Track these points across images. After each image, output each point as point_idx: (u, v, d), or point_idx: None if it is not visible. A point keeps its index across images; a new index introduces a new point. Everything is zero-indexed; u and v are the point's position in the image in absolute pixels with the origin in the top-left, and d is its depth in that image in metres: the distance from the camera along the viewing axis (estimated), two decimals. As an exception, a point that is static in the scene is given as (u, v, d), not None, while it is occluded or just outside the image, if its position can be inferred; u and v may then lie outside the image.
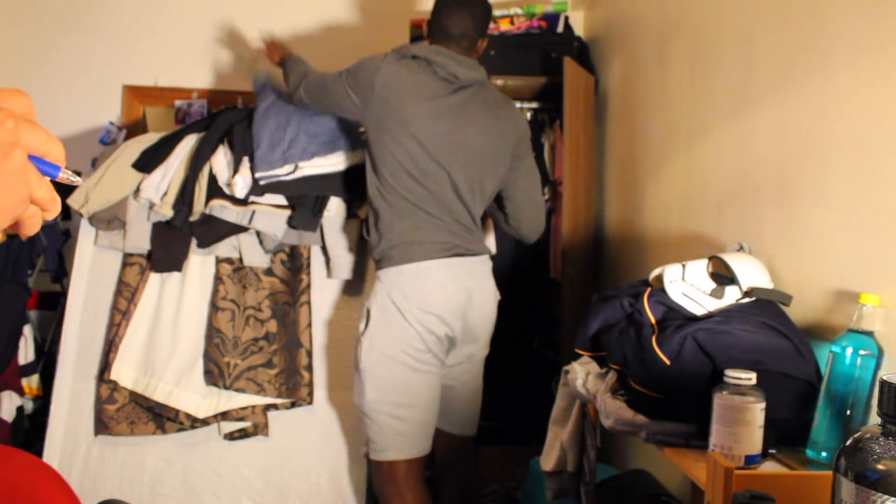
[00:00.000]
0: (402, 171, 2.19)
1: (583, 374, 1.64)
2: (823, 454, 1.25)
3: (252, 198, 2.51)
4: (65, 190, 2.69)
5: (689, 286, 1.51)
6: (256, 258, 2.57)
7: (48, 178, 0.58)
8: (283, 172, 2.48)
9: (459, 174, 2.22)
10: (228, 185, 2.51)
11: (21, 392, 2.70)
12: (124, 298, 2.57)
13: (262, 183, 2.49)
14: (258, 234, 2.55)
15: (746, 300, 1.48)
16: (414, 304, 2.14)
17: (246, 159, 2.52)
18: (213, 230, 2.53)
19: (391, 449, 2.18)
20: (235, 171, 2.52)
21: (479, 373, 2.39)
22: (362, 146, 2.45)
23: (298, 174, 2.50)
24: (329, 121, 2.56)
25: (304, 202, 2.53)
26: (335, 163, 2.55)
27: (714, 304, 1.49)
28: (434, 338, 2.17)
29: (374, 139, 2.25)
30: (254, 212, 2.50)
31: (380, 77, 2.22)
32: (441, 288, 2.16)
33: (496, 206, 2.47)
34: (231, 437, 2.52)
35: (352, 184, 2.55)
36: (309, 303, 2.57)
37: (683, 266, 1.54)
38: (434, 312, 2.15)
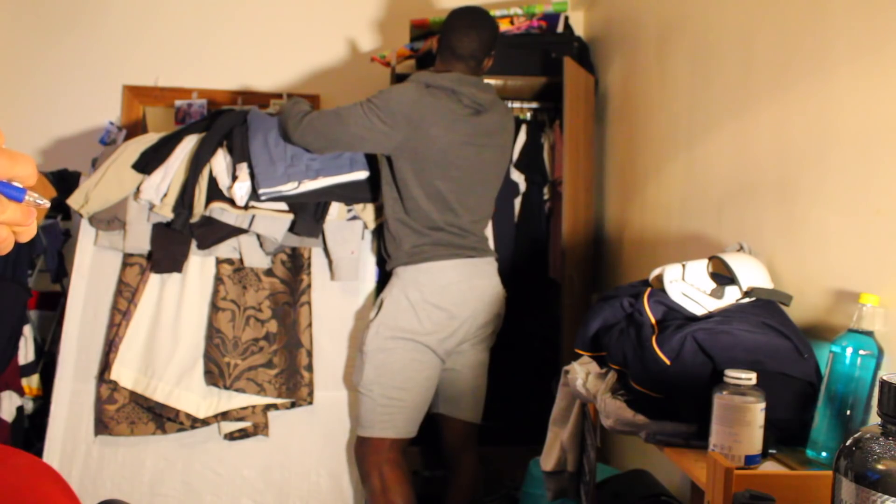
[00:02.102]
0: (430, 198, 2.35)
1: (583, 374, 1.64)
2: (823, 454, 1.25)
3: (252, 202, 2.51)
4: (65, 190, 2.70)
5: (689, 286, 1.51)
6: (257, 259, 2.57)
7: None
8: (287, 189, 2.47)
9: (478, 192, 2.42)
10: (229, 188, 2.51)
11: (21, 392, 2.69)
12: (124, 298, 2.57)
13: (263, 199, 2.49)
14: (258, 235, 2.55)
15: (746, 300, 1.48)
16: (428, 299, 2.31)
17: (244, 165, 2.51)
18: (213, 232, 2.53)
19: (377, 426, 2.33)
20: (234, 176, 2.52)
21: (485, 360, 2.50)
22: (369, 163, 2.53)
23: (301, 189, 2.50)
24: None
25: (306, 208, 2.53)
26: (341, 180, 2.55)
27: (714, 304, 1.49)
28: (440, 334, 2.33)
29: (403, 167, 2.36)
30: (254, 216, 2.49)
31: (412, 106, 2.31)
32: (454, 284, 2.34)
33: None
34: (231, 437, 2.52)
35: (352, 187, 2.55)
36: (309, 303, 2.57)
37: (683, 266, 1.54)
38: (446, 308, 2.32)
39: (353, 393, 2.58)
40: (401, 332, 2.32)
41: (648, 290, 1.55)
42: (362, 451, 2.38)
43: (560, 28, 3.05)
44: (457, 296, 2.33)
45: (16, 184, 0.57)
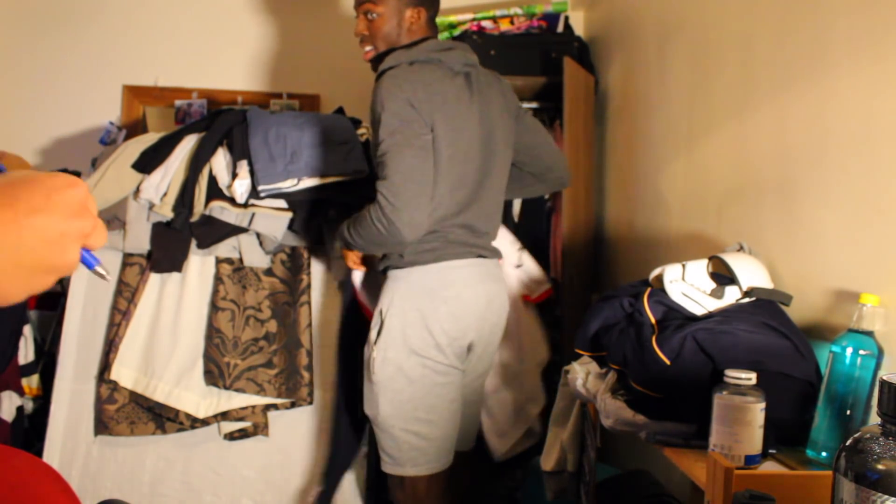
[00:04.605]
0: (452, 191, 2.00)
1: (583, 374, 1.65)
2: (823, 454, 1.25)
3: (252, 200, 2.51)
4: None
5: (689, 286, 1.51)
6: (256, 259, 2.57)
7: None
8: (287, 186, 2.47)
9: (488, 184, 2.08)
10: (229, 187, 2.51)
11: (21, 392, 2.69)
12: (124, 298, 2.57)
13: (263, 196, 2.49)
14: (258, 234, 2.55)
15: (746, 300, 1.48)
16: (440, 306, 1.97)
17: (244, 163, 2.51)
18: (213, 231, 2.53)
19: (408, 465, 2.01)
20: (234, 174, 2.52)
21: (483, 388, 2.27)
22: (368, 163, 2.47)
23: (301, 186, 2.49)
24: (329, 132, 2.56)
25: (305, 206, 2.53)
26: (341, 178, 2.54)
27: (714, 304, 1.49)
28: (457, 345, 2.01)
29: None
30: (254, 214, 2.50)
31: (410, 94, 1.92)
32: (469, 287, 2.01)
33: (517, 181, 2.29)
34: (231, 437, 2.52)
35: (352, 187, 2.55)
36: (309, 303, 2.57)
37: (683, 266, 1.54)
38: (460, 315, 1.99)
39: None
40: (414, 353, 1.96)
41: (648, 290, 1.55)
42: (401, 491, 2.05)
43: (560, 28, 3.06)
44: (472, 300, 2.01)
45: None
